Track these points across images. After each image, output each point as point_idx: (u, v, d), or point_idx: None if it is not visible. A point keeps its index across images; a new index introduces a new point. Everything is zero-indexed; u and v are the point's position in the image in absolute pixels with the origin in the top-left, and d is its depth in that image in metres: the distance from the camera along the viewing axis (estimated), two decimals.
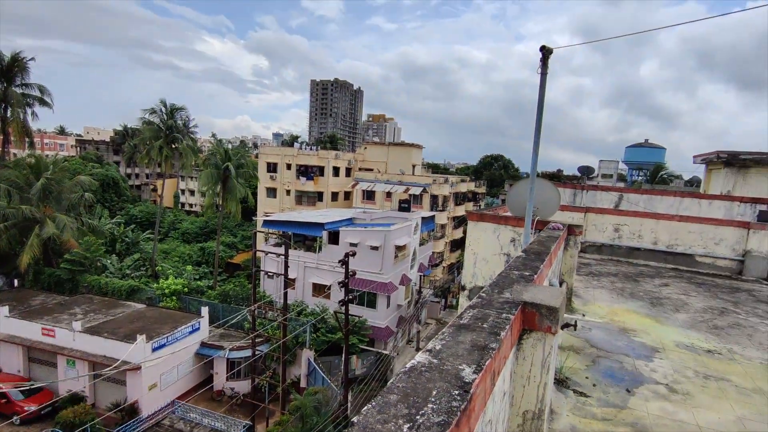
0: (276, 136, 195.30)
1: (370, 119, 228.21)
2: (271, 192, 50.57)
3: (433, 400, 1.41)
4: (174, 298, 28.81)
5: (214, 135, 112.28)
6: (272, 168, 50.31)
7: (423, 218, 37.12)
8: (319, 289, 29.76)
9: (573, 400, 4.40)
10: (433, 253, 43.01)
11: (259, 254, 28.12)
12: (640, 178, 60.07)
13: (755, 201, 13.06)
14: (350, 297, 20.24)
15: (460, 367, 1.66)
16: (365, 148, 64.10)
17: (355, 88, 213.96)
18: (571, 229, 7.03)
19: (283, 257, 21.63)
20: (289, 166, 50.15)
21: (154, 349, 20.71)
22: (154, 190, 72.32)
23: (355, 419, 1.27)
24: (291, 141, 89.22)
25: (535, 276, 3.27)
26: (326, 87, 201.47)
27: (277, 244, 30.22)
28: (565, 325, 4.89)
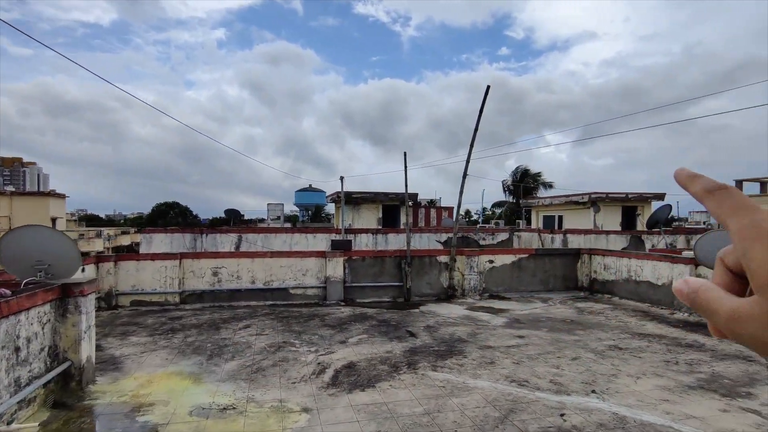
0: None
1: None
2: None
3: None
4: None
5: None
6: None
7: None
8: None
9: None
10: None
11: None
12: (306, 218, 67.13)
13: (332, 231, 15.10)
14: None
15: None
16: None
17: None
18: (69, 290, 5.33)
19: None
20: None
21: None
22: None
23: None
24: None
25: None
26: None
27: None
28: None
